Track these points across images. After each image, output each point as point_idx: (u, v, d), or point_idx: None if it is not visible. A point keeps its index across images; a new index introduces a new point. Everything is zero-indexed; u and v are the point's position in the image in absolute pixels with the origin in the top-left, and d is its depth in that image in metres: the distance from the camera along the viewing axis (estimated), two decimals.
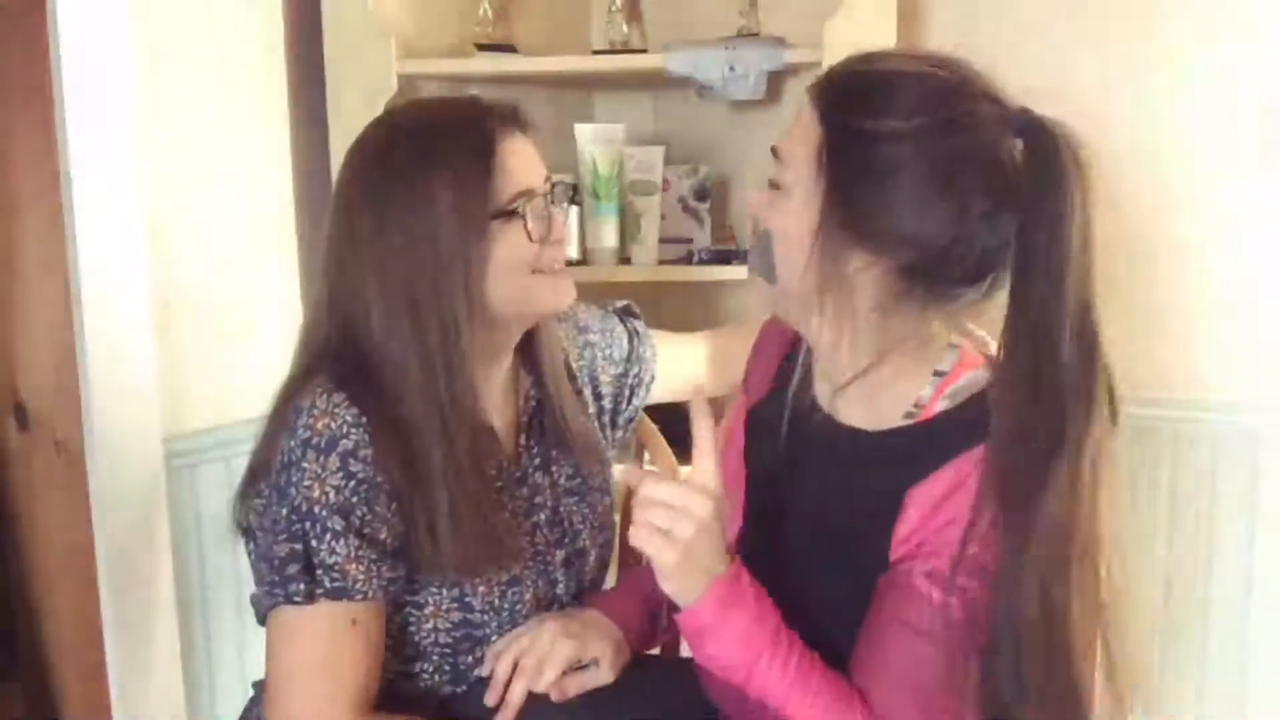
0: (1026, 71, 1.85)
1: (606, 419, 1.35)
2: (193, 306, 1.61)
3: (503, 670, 1.10)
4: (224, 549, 1.66)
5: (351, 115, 1.70)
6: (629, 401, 1.38)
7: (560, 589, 1.20)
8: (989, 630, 0.92)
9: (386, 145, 1.11)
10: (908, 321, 0.99)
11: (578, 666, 1.11)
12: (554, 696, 1.09)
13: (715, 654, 0.98)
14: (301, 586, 1.02)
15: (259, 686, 1.21)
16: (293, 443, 1.04)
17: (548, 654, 1.09)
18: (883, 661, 0.97)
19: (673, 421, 1.58)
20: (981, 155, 0.92)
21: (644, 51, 1.88)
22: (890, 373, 1.01)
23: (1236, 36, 1.67)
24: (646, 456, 1.51)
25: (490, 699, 1.10)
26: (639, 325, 1.41)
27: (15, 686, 1.65)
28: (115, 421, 1.49)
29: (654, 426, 1.48)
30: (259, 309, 1.71)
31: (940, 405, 1.00)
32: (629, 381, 1.37)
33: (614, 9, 1.90)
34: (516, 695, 1.09)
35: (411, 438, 1.06)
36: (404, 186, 1.07)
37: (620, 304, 1.43)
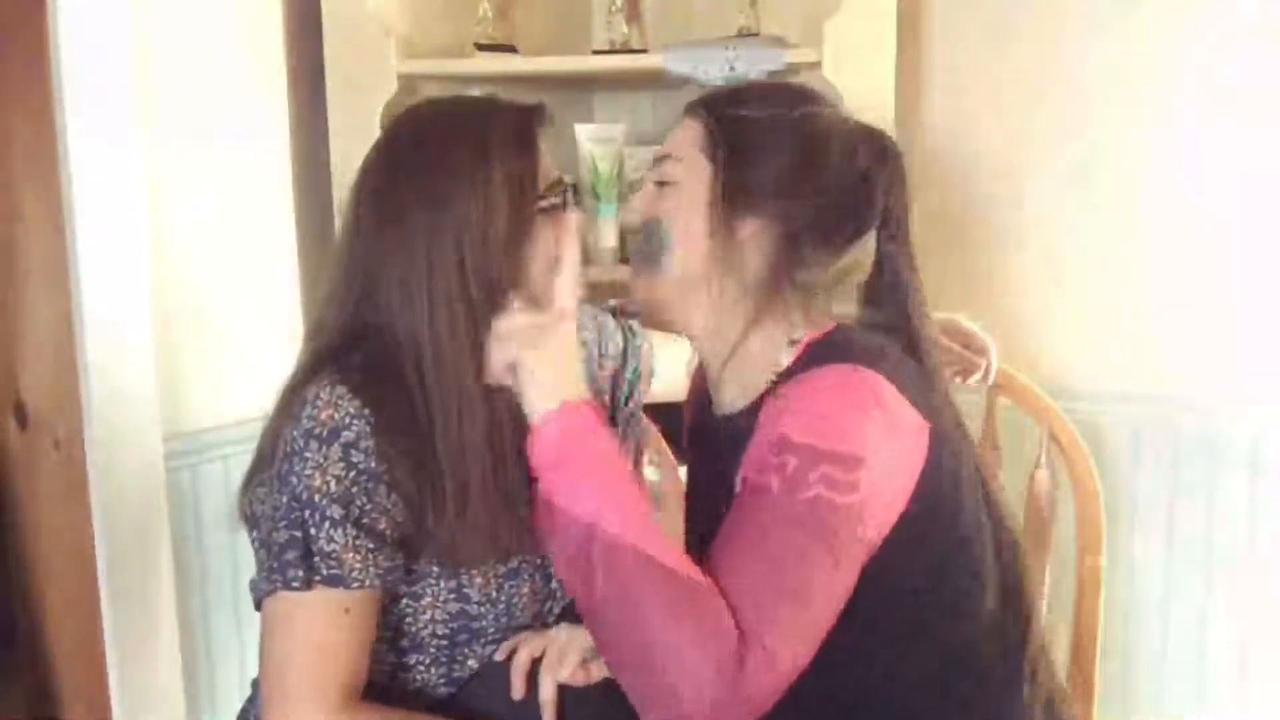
0: (1026, 69, 1.85)
1: (610, 416, 1.36)
2: (193, 307, 1.62)
3: (522, 657, 1.10)
4: (224, 549, 1.66)
5: (351, 115, 1.70)
6: (628, 398, 1.38)
7: (555, 584, 1.21)
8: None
9: (432, 140, 1.13)
10: (781, 289, 1.11)
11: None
12: (579, 681, 1.09)
13: (565, 473, 1.00)
14: (299, 573, 1.03)
15: (256, 685, 1.21)
16: (296, 433, 1.05)
17: (566, 644, 1.10)
18: (719, 545, 1.00)
19: (672, 421, 1.59)
20: (836, 141, 1.12)
21: (644, 51, 1.88)
22: (755, 348, 1.12)
23: (1239, 35, 1.68)
24: (646, 456, 1.51)
25: (517, 691, 1.10)
26: (633, 324, 1.41)
27: (15, 686, 1.65)
28: (115, 421, 1.50)
29: (653, 426, 1.48)
30: (259, 309, 1.71)
31: (790, 364, 1.10)
32: (628, 376, 1.37)
33: (614, 9, 1.90)
34: (548, 693, 1.09)
35: (442, 425, 1.07)
36: (457, 177, 1.09)
37: (613, 303, 1.43)
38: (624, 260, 1.87)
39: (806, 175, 1.10)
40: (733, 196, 1.09)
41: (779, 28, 1.83)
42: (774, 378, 1.10)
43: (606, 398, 1.35)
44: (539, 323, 1.04)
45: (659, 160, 1.15)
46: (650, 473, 1.51)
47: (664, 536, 0.98)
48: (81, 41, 1.44)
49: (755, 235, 1.10)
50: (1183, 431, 1.75)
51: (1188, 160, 1.72)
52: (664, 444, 1.48)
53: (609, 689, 1.10)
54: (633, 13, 1.88)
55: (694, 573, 0.96)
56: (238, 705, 1.25)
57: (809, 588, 0.97)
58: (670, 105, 2.08)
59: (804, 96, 1.15)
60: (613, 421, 1.37)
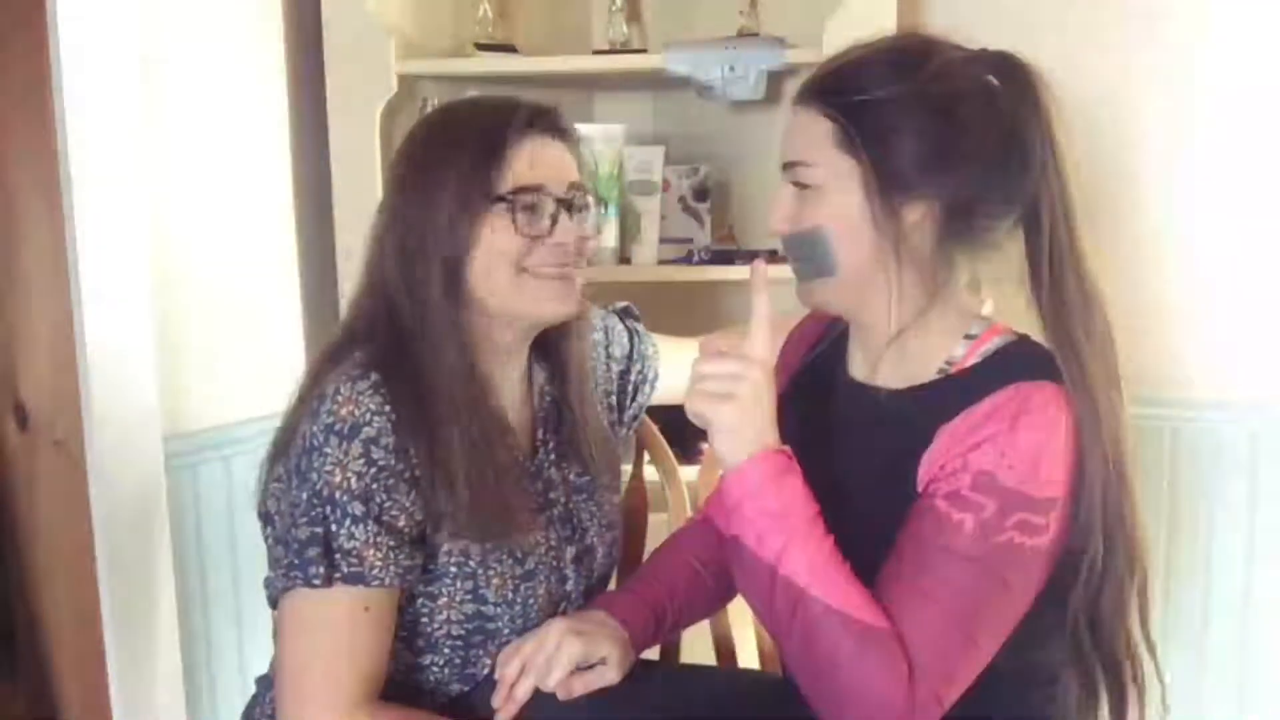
0: None
1: (614, 417, 1.36)
2: (193, 307, 1.62)
3: (511, 671, 1.11)
4: (224, 549, 1.66)
5: (351, 115, 1.70)
6: (633, 399, 1.38)
7: (570, 585, 1.21)
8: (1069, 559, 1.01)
9: (419, 136, 1.18)
10: (951, 270, 1.07)
11: (585, 667, 1.12)
12: (560, 695, 1.09)
13: (755, 520, 0.99)
14: (320, 570, 1.03)
15: (261, 683, 1.21)
16: (315, 428, 1.05)
17: (555, 653, 1.10)
18: (900, 574, 1.00)
19: (673, 421, 1.59)
20: (972, 93, 1.04)
21: (644, 51, 1.89)
22: (925, 334, 1.08)
23: (1240, 34, 1.68)
24: (647, 456, 1.51)
25: (497, 700, 1.10)
26: (638, 325, 1.42)
27: (15, 686, 1.65)
28: (115, 421, 1.49)
29: (654, 426, 1.48)
30: (259, 309, 1.71)
31: (972, 363, 1.07)
32: (632, 379, 1.38)
33: (614, 9, 1.90)
34: (522, 691, 1.10)
35: (433, 410, 1.09)
36: (422, 169, 1.13)
37: (620, 305, 1.43)
38: (624, 260, 1.88)
39: (956, 139, 1.03)
40: (891, 187, 1.03)
41: (779, 28, 1.83)
42: (946, 368, 1.07)
43: (613, 399, 1.36)
44: (730, 372, 1.00)
45: (790, 166, 1.07)
46: (651, 473, 1.51)
47: (847, 576, 0.99)
48: (81, 41, 1.44)
49: (922, 217, 1.04)
50: (1184, 431, 1.75)
51: (1187, 160, 1.72)
52: (665, 444, 1.48)
53: (591, 706, 1.11)
54: (633, 13, 1.88)
55: (872, 614, 0.98)
56: (238, 705, 1.25)
57: (987, 631, 1.00)
58: (670, 105, 2.09)
59: (914, 53, 1.06)
60: (620, 421, 1.37)
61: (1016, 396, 1.00)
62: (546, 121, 1.15)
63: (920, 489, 1.03)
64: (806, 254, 1.07)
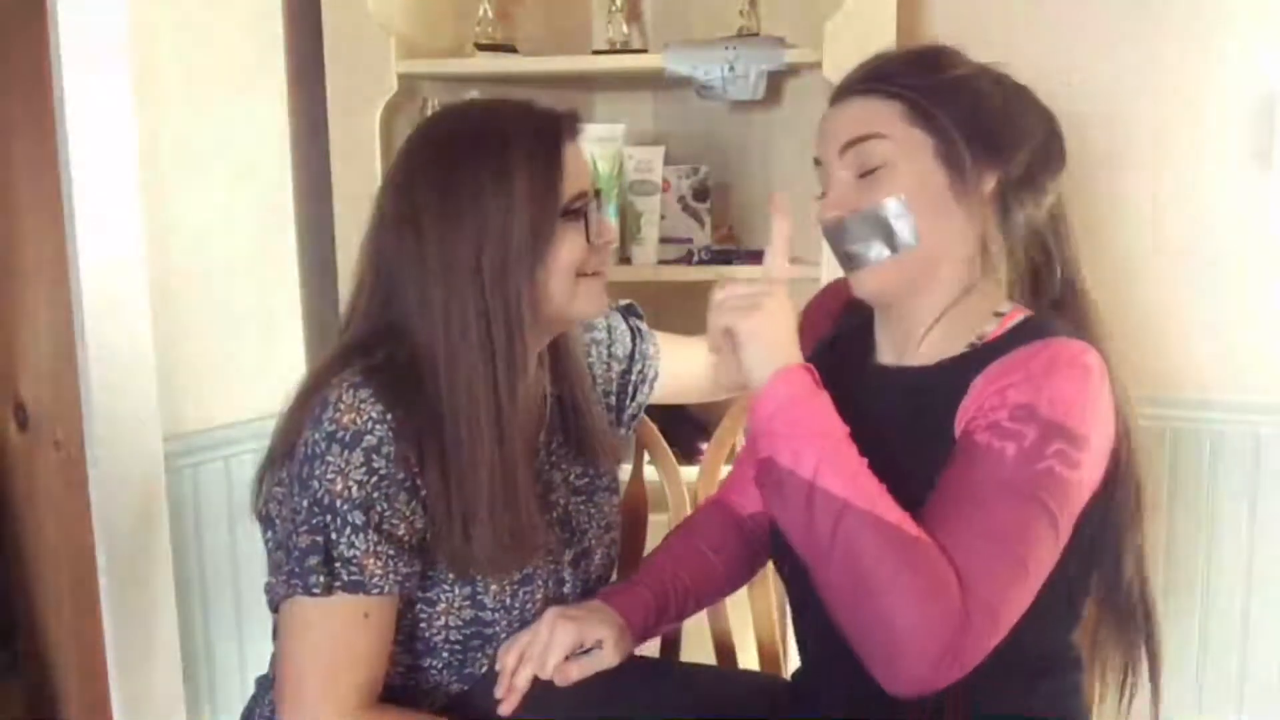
0: (1027, 71, 1.85)
1: (613, 416, 1.36)
2: (193, 306, 1.62)
3: (510, 662, 1.11)
4: (224, 549, 1.66)
5: (351, 115, 1.70)
6: (633, 398, 1.38)
7: (567, 588, 1.21)
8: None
9: (455, 143, 1.12)
10: (999, 248, 1.09)
11: (582, 652, 1.12)
12: (558, 681, 1.10)
13: (789, 434, 0.99)
14: (320, 578, 1.03)
15: (260, 683, 1.21)
16: (317, 435, 1.04)
17: (550, 640, 1.10)
18: (943, 514, 0.98)
19: (672, 422, 1.59)
20: (1012, 83, 1.11)
21: (644, 51, 1.89)
22: (963, 313, 1.10)
23: (1238, 31, 1.68)
24: (647, 456, 1.51)
25: (499, 691, 1.11)
26: (640, 324, 1.41)
27: (15, 686, 1.65)
28: (115, 421, 1.50)
29: (654, 426, 1.48)
30: (259, 309, 1.71)
31: (1001, 334, 1.09)
32: (633, 379, 1.37)
33: (614, 9, 1.90)
34: (522, 681, 1.10)
35: (454, 433, 1.07)
36: (476, 182, 1.08)
37: (623, 303, 1.43)
38: (624, 260, 1.88)
39: (1015, 115, 1.08)
40: (972, 156, 1.06)
41: (779, 28, 1.83)
42: (976, 342, 1.08)
43: (612, 399, 1.36)
44: (753, 290, 1.02)
45: (852, 145, 1.07)
46: (651, 473, 1.51)
47: (885, 494, 0.98)
48: (81, 40, 1.44)
49: (995, 188, 1.07)
50: (1184, 431, 1.75)
51: (1188, 160, 1.72)
52: (664, 443, 1.48)
53: (590, 691, 1.11)
54: (633, 13, 1.88)
55: (916, 530, 0.96)
56: (238, 705, 1.25)
57: (1032, 560, 0.98)
58: (670, 105, 2.09)
59: (948, 53, 1.11)
60: (619, 421, 1.37)
61: (1049, 348, 1.02)
62: (575, 124, 1.15)
63: (957, 433, 1.03)
64: (870, 234, 1.07)
